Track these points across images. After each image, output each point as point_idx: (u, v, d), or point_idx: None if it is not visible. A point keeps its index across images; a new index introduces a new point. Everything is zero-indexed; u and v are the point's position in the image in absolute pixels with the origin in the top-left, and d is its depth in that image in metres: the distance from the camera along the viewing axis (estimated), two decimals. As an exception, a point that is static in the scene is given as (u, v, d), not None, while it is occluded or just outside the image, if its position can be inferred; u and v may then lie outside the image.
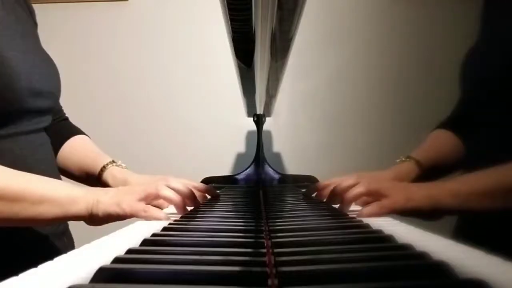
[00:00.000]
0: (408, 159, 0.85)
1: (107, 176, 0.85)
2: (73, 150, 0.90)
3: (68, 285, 0.26)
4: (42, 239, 0.73)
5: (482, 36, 0.81)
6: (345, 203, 0.65)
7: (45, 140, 0.79)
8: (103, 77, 1.66)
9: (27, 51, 0.75)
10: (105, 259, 0.33)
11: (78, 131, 0.95)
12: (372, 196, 0.64)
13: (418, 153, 0.86)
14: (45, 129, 0.80)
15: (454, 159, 0.86)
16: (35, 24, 0.87)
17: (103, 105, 1.66)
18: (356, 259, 0.32)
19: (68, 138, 0.91)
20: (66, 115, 0.98)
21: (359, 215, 0.60)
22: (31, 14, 0.86)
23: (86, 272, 0.30)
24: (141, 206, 0.61)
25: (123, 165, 0.88)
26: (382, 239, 0.40)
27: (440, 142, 0.88)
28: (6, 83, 0.66)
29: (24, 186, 0.57)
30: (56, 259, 0.35)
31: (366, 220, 0.54)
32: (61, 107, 0.96)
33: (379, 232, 0.44)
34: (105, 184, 0.85)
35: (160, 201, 0.69)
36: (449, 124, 0.90)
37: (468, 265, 0.30)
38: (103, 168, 0.86)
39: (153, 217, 0.60)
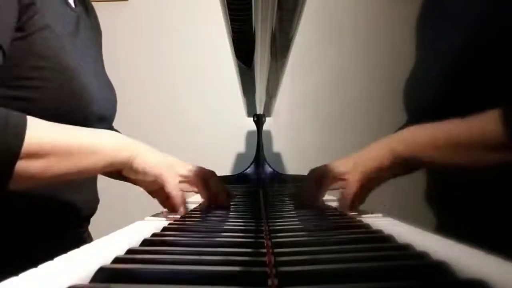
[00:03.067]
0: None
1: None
2: None
3: (68, 285, 0.26)
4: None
5: (417, 62, 0.86)
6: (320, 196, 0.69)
7: None
8: (103, 77, 1.67)
9: (98, 76, 0.79)
10: (105, 259, 0.33)
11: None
12: (338, 181, 0.66)
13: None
14: None
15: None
16: (101, 44, 0.93)
17: (103, 105, 1.66)
18: (356, 259, 0.32)
19: None
20: None
21: (343, 208, 0.62)
22: (100, 35, 0.93)
23: (86, 272, 0.30)
24: (179, 193, 0.64)
25: None
26: (382, 239, 0.40)
27: None
28: (80, 108, 0.70)
29: (78, 140, 0.59)
30: (56, 259, 0.35)
31: (366, 220, 0.54)
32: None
33: (379, 232, 0.44)
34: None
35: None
36: None
37: (468, 265, 0.30)
38: None
39: (175, 210, 0.63)
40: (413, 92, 0.85)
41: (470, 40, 0.67)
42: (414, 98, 0.84)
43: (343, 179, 0.65)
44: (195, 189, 0.70)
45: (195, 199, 0.68)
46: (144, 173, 0.64)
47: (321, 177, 0.68)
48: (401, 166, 0.64)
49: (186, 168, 0.68)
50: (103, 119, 0.78)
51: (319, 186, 0.68)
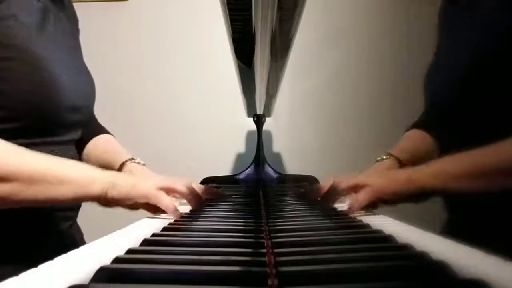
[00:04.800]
0: (388, 157, 0.87)
1: (126, 172, 0.87)
2: (96, 147, 0.92)
3: (68, 285, 0.26)
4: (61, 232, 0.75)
5: (440, 50, 0.85)
6: (333, 202, 0.68)
7: (74, 153, 0.81)
8: (103, 77, 1.66)
9: (72, 66, 0.78)
10: (105, 259, 0.33)
11: (103, 131, 0.97)
12: (355, 192, 0.65)
13: (396, 151, 0.88)
14: (75, 143, 0.82)
15: (429, 156, 0.88)
16: (78, 32, 0.90)
17: (102, 105, 1.65)
18: (356, 259, 0.32)
19: (93, 137, 0.93)
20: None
21: (349, 211, 0.61)
22: (76, 22, 0.90)
23: (86, 272, 0.30)
24: (155, 192, 0.62)
25: (142, 162, 0.89)
26: (382, 239, 0.40)
27: (416, 140, 0.91)
28: (50, 99, 0.68)
29: (45, 167, 0.58)
30: (56, 259, 0.35)
31: (366, 220, 0.54)
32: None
33: (379, 232, 0.44)
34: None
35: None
36: (422, 124, 0.92)
37: (468, 265, 0.30)
38: (122, 165, 0.87)
39: (164, 205, 0.61)
40: (434, 80, 0.82)
41: (494, 32, 0.66)
42: (434, 87, 0.82)
43: (360, 188, 0.65)
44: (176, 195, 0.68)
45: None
46: (126, 199, 0.61)
47: (340, 187, 0.68)
48: (419, 196, 0.64)
49: (158, 179, 0.66)
50: (76, 110, 0.77)
51: (336, 193, 0.68)
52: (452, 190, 0.61)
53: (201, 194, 0.77)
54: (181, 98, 1.66)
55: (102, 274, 0.29)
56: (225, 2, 0.47)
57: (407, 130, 0.94)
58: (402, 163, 0.85)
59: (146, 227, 0.54)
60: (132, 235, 0.48)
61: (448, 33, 0.84)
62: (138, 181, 0.63)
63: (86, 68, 0.87)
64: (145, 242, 0.40)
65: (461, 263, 0.30)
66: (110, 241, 0.44)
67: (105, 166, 0.89)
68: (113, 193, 0.60)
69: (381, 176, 0.66)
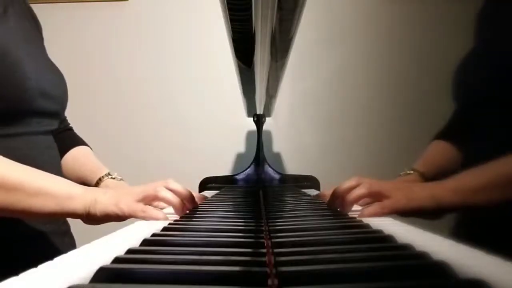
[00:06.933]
0: (412, 172, 0.85)
1: (102, 187, 0.87)
2: (74, 160, 0.92)
3: (68, 285, 0.26)
4: (43, 237, 0.73)
5: (477, 45, 0.82)
6: (347, 204, 0.65)
7: (52, 144, 0.80)
8: (103, 77, 1.67)
9: (35, 56, 0.77)
10: (105, 259, 0.33)
11: (80, 142, 0.97)
12: (373, 197, 0.64)
13: (420, 165, 0.86)
14: (52, 133, 0.81)
15: (454, 169, 0.86)
16: (42, 38, 0.89)
17: (102, 105, 1.66)
18: (356, 259, 0.32)
19: (70, 148, 0.93)
20: (68, 119, 0.99)
21: (360, 216, 0.60)
22: (38, 28, 0.89)
23: (86, 272, 0.30)
24: (139, 207, 0.61)
25: (119, 177, 0.89)
26: (382, 239, 0.40)
27: (440, 153, 0.89)
28: (17, 83, 0.67)
29: (22, 177, 0.57)
30: (56, 259, 0.35)
31: (366, 220, 0.54)
32: (65, 117, 0.97)
33: (379, 232, 0.44)
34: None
35: (159, 203, 0.69)
36: (446, 134, 0.90)
37: (468, 265, 0.30)
38: (99, 180, 0.87)
39: (151, 217, 0.60)
40: (465, 81, 0.80)
41: None
42: (466, 87, 0.79)
43: (379, 197, 0.63)
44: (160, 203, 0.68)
45: (170, 210, 0.67)
46: (110, 218, 0.61)
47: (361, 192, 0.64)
48: (437, 213, 0.63)
49: (139, 190, 0.64)
50: (47, 96, 0.75)
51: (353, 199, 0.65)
52: (473, 206, 0.60)
53: (186, 193, 0.73)
54: (181, 98, 1.66)
55: (102, 274, 0.29)
56: (225, 2, 0.48)
57: (432, 140, 0.92)
58: (426, 178, 0.83)
59: (145, 227, 0.54)
60: (132, 235, 0.48)
61: (484, 37, 0.80)
62: (120, 198, 0.61)
63: (54, 64, 0.85)
64: (145, 242, 0.40)
65: (461, 263, 0.30)
66: (110, 241, 0.44)
67: (83, 181, 0.89)
68: (96, 211, 0.60)
69: (403, 190, 0.63)
